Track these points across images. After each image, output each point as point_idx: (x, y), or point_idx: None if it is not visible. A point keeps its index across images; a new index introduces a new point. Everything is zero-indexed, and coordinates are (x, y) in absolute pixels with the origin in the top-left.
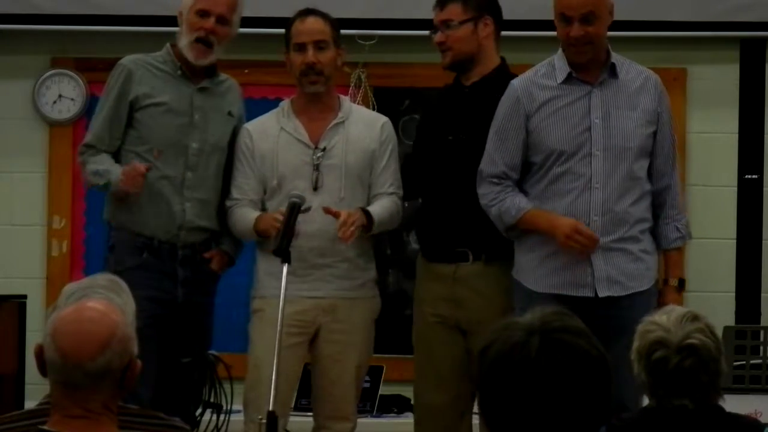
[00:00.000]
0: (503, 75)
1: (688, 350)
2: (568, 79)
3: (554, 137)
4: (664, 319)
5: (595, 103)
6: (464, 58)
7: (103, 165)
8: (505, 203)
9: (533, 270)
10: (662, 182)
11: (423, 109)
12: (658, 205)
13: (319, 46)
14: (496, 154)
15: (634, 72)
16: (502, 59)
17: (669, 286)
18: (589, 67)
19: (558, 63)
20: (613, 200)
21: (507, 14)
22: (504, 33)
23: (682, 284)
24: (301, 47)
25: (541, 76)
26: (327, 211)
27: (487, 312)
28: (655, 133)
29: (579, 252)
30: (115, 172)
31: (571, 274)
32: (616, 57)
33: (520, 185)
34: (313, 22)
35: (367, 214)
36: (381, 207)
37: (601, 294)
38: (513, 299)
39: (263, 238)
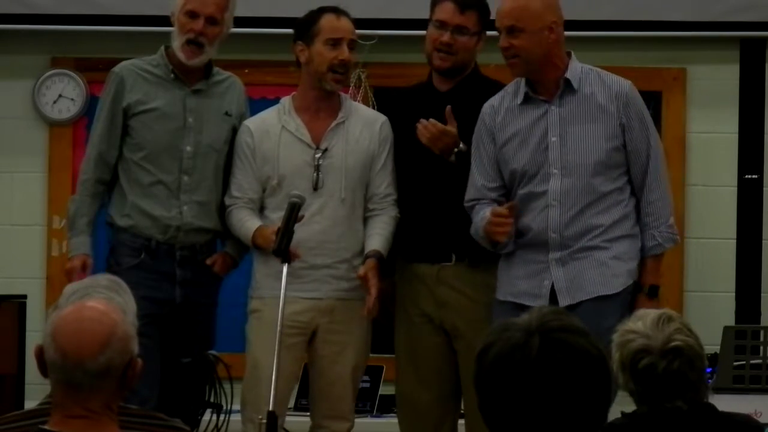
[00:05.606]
0: (477, 79)
1: (673, 353)
2: (527, 99)
3: (515, 160)
4: (640, 325)
5: (552, 121)
6: (462, 66)
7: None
8: (474, 224)
9: (500, 279)
10: (641, 193)
11: (389, 110)
12: (641, 214)
13: (351, 46)
14: (470, 178)
15: (600, 84)
16: (474, 63)
17: (641, 293)
18: (546, 84)
19: (521, 83)
20: (572, 216)
21: None
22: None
23: (653, 291)
24: (337, 43)
25: (507, 96)
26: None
27: (471, 314)
28: (624, 146)
29: (502, 233)
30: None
31: (527, 284)
32: (578, 69)
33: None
34: (348, 22)
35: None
36: (387, 234)
37: (562, 303)
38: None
39: (260, 251)
